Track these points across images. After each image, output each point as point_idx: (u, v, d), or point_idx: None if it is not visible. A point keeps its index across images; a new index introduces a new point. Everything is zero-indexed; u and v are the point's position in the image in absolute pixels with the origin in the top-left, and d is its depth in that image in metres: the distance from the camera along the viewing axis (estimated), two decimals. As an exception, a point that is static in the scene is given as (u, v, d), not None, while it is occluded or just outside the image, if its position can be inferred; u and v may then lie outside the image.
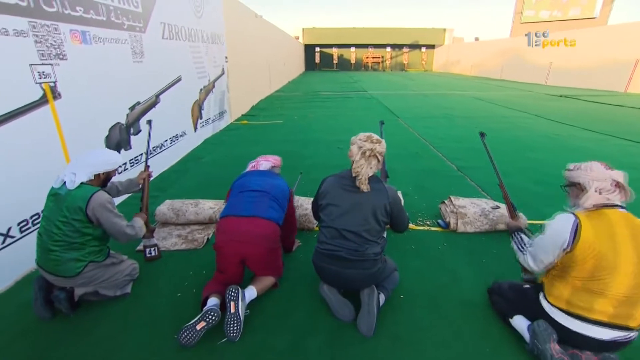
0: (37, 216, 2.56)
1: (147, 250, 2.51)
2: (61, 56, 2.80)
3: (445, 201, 3.22)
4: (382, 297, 2.00)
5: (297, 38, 32.78)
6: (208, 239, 2.76)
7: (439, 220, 3.11)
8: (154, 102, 4.38)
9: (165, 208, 2.99)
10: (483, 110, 9.58)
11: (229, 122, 7.70)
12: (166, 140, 4.72)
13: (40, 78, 2.61)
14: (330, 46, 36.11)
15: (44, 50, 2.63)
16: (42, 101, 2.63)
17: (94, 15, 3.20)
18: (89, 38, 3.15)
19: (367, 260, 1.88)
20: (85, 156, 1.99)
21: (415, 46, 36.61)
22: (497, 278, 2.29)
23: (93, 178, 1.97)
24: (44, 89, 2.64)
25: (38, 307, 1.92)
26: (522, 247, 1.88)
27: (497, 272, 2.40)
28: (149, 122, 2.95)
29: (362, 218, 1.87)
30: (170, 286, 2.23)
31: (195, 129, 5.80)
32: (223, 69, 7.15)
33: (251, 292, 2.00)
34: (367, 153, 1.87)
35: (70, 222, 1.84)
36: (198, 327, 1.76)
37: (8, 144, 2.33)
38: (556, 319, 1.63)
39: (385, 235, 2.02)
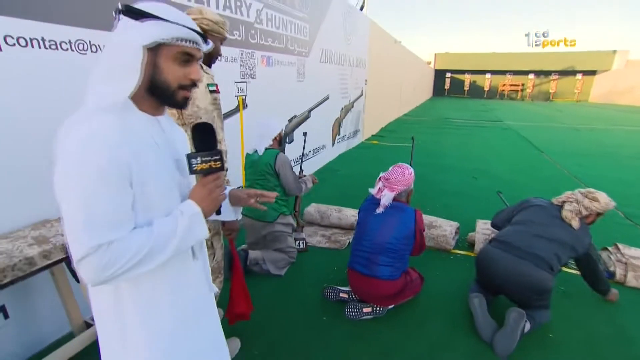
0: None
1: (297, 242, 2.89)
2: (252, 76, 3.51)
3: (610, 248, 2.79)
4: (527, 325, 1.91)
5: (429, 63, 32.40)
6: (349, 242, 3.02)
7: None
8: (306, 117, 5.00)
9: (312, 209, 3.39)
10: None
11: (361, 141, 8.14)
12: (310, 151, 5.30)
13: (238, 92, 3.32)
14: (462, 72, 34.50)
15: (243, 71, 3.35)
16: (236, 110, 3.34)
17: (277, 44, 3.91)
18: (272, 61, 3.85)
19: (540, 258, 1.90)
20: (262, 128, 2.52)
21: (568, 72, 31.96)
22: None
23: (272, 142, 2.51)
24: (238, 101, 3.35)
25: None
26: None
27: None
28: (305, 134, 3.29)
29: (555, 245, 1.95)
30: (317, 277, 2.53)
31: (333, 144, 6.34)
32: (362, 91, 7.65)
33: None
34: (572, 199, 2.10)
35: (266, 177, 2.45)
36: (341, 294, 2.23)
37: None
38: None
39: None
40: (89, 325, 1.85)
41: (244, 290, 1.79)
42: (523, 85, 33.52)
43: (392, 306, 2.13)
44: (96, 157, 0.69)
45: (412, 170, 2.11)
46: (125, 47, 0.75)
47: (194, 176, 0.91)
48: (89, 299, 0.88)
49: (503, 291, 2.07)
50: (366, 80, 7.83)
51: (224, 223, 1.64)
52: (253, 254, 2.52)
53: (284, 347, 1.89)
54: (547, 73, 32.65)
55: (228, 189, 1.08)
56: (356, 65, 7.08)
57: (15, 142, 1.61)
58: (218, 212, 0.92)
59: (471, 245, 3.01)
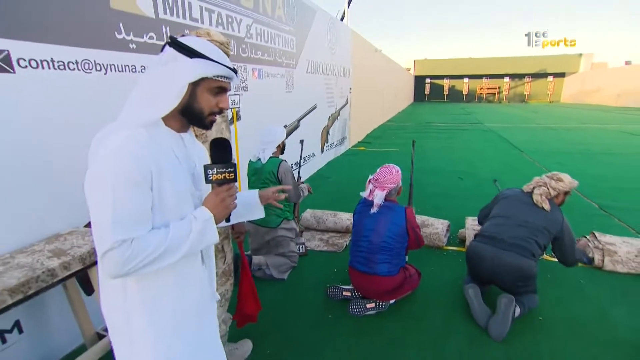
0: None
1: (297, 247, 2.97)
2: (245, 88, 3.61)
3: (587, 236, 3.00)
4: (517, 310, 2.07)
5: (409, 70, 33.20)
6: (347, 245, 3.13)
7: (581, 256, 2.90)
8: (296, 126, 5.13)
9: (308, 215, 3.49)
10: (637, 147, 8.23)
11: (348, 148, 8.31)
12: (300, 160, 5.40)
13: (231, 104, 3.41)
14: (441, 77, 35.53)
15: (237, 84, 3.45)
16: (230, 122, 3.42)
17: (266, 56, 4.04)
18: (262, 74, 3.97)
19: (522, 247, 2.05)
20: (265, 135, 2.60)
21: (540, 75, 33.37)
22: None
23: (276, 150, 2.63)
24: (232, 113, 3.44)
25: None
26: None
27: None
28: (301, 141, 3.46)
29: (533, 231, 2.10)
30: (318, 279, 2.63)
31: (322, 151, 6.47)
32: (347, 99, 7.85)
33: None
34: (540, 183, 2.24)
35: (268, 185, 2.50)
36: (344, 292, 2.35)
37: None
38: None
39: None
40: (101, 336, 1.89)
41: (252, 291, 1.87)
42: (499, 88, 34.76)
43: (394, 301, 2.24)
44: (125, 164, 0.78)
45: (398, 168, 2.25)
46: (172, 79, 0.85)
47: (205, 188, 1.00)
48: (100, 302, 0.95)
49: (492, 281, 2.23)
50: (350, 89, 8.04)
51: (233, 226, 1.73)
52: (256, 259, 2.61)
53: (294, 346, 1.97)
54: (520, 76, 33.98)
55: (251, 193, 1.20)
56: (341, 75, 7.28)
57: (25, 157, 1.67)
58: (227, 220, 1.01)
59: (462, 241, 3.17)
